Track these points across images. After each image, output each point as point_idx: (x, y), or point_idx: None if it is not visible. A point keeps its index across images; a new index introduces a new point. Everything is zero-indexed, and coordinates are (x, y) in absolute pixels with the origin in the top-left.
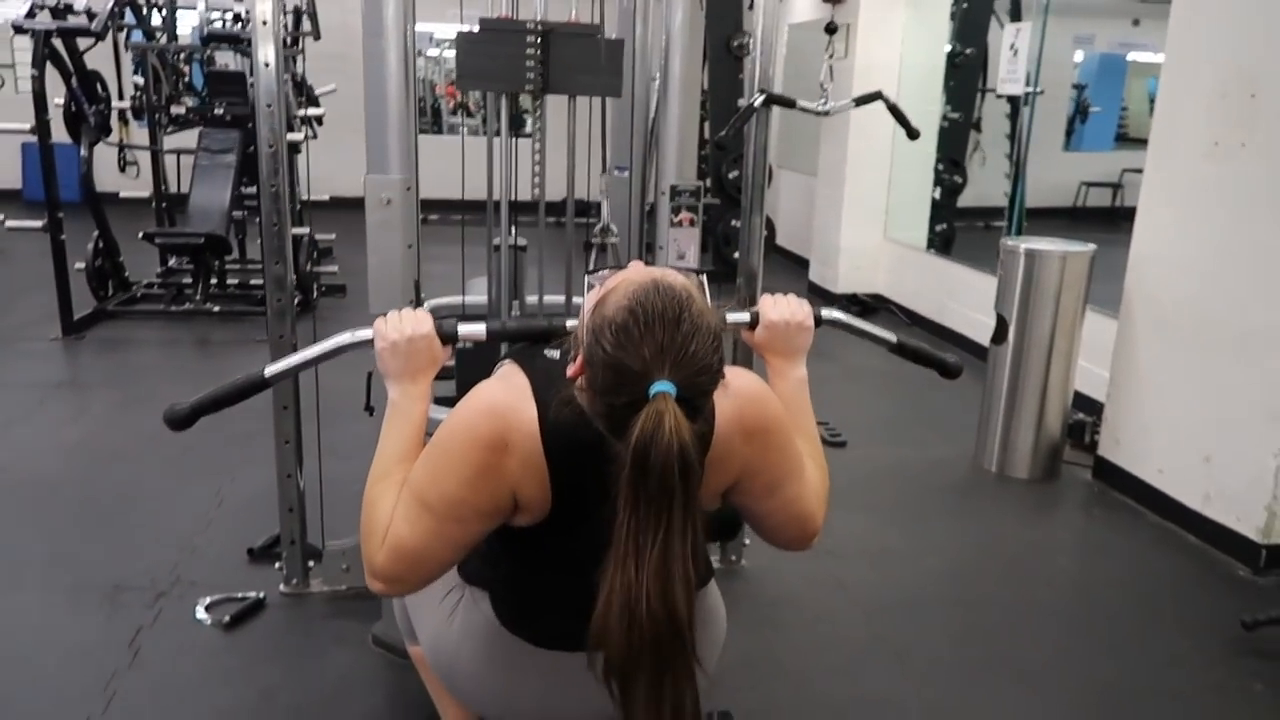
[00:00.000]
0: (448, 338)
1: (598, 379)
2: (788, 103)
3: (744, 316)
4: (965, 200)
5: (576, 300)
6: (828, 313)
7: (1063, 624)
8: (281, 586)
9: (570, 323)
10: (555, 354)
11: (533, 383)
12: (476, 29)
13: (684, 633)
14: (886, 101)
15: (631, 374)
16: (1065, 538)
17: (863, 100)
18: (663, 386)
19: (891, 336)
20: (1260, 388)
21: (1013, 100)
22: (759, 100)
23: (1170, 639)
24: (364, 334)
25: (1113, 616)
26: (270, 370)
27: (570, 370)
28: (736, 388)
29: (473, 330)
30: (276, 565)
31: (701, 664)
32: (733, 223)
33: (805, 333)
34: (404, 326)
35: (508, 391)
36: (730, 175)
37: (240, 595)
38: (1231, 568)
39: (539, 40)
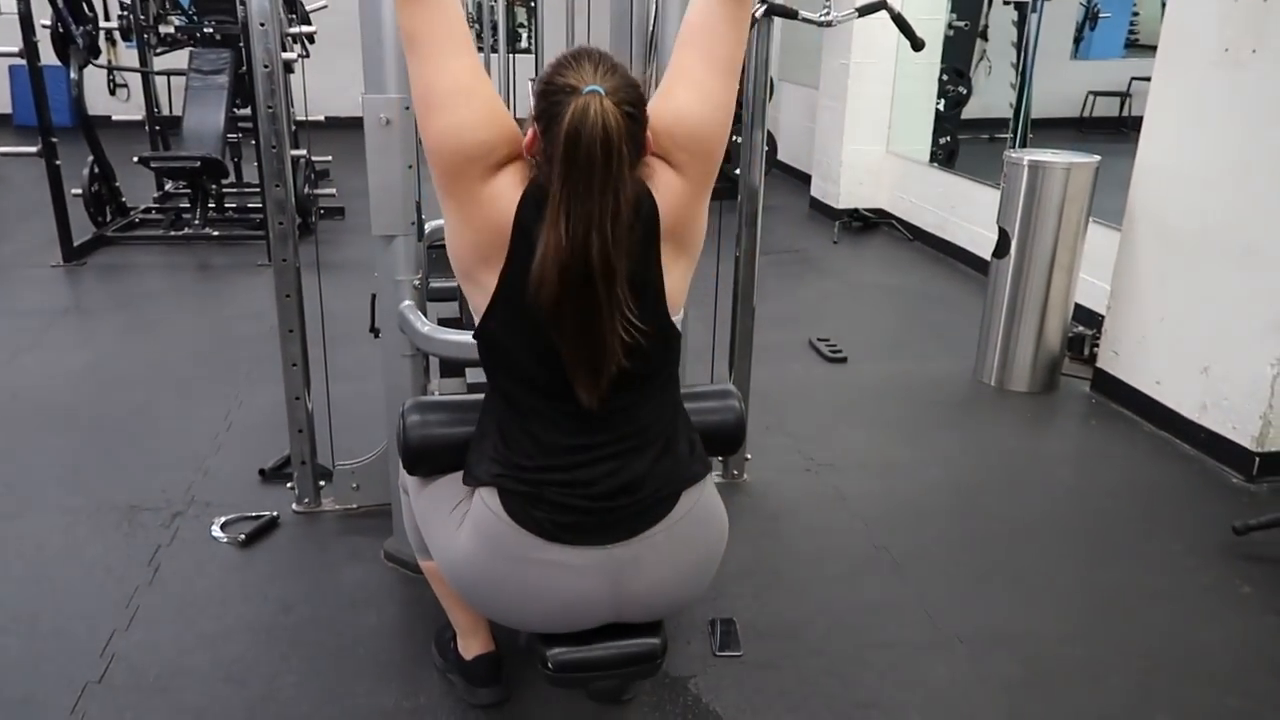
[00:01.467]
0: None
1: (542, 114)
2: (789, 13)
3: None
4: (970, 112)
5: None
6: None
7: (1060, 531)
8: (294, 505)
9: None
10: None
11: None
12: None
13: (595, 276)
14: (890, 11)
15: (567, 87)
16: (1063, 448)
17: (866, 10)
18: (592, 88)
19: None
20: (1262, 299)
21: (1020, 6)
22: (760, 10)
23: (1164, 544)
24: None
25: (1109, 524)
26: None
27: (525, 143)
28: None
29: None
30: (288, 485)
31: (634, 322)
32: (733, 138)
33: None
34: None
35: (521, 140)
36: None
37: (254, 514)
38: (1225, 475)
39: None
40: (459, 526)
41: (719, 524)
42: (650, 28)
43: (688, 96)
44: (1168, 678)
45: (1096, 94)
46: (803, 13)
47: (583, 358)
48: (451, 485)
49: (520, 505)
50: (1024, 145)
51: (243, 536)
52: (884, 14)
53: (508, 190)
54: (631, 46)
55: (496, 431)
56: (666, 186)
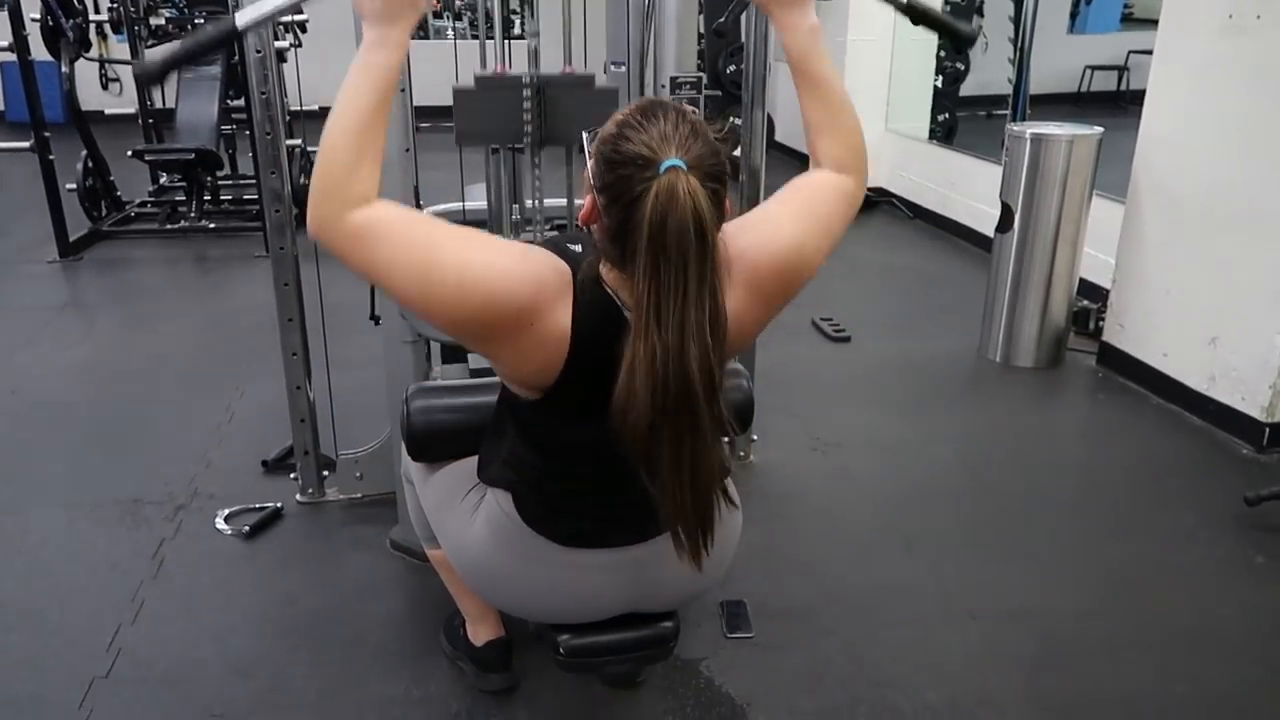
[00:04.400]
0: None
1: (610, 187)
2: None
3: None
4: (967, 88)
5: (578, 202)
6: None
7: (1070, 506)
8: (297, 496)
9: None
10: (578, 247)
11: (573, 272)
12: None
13: (696, 394)
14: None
15: (642, 159)
16: (1071, 423)
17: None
18: (674, 161)
19: None
20: (1269, 268)
21: None
22: None
23: (1176, 517)
24: None
25: (1119, 497)
26: (242, 19)
27: (581, 214)
28: (735, 252)
29: None
30: (291, 475)
31: (729, 431)
32: (731, 118)
33: None
34: None
35: (557, 276)
36: (728, 70)
37: (258, 506)
38: (1235, 447)
39: None
40: (470, 518)
41: (735, 514)
42: (647, 6)
43: (794, 231)
44: (1184, 650)
45: (1094, 69)
46: None
47: (682, 498)
48: (460, 473)
49: (536, 512)
50: (1024, 120)
51: (247, 528)
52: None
53: (555, 311)
54: (629, 30)
55: (514, 436)
56: (738, 301)
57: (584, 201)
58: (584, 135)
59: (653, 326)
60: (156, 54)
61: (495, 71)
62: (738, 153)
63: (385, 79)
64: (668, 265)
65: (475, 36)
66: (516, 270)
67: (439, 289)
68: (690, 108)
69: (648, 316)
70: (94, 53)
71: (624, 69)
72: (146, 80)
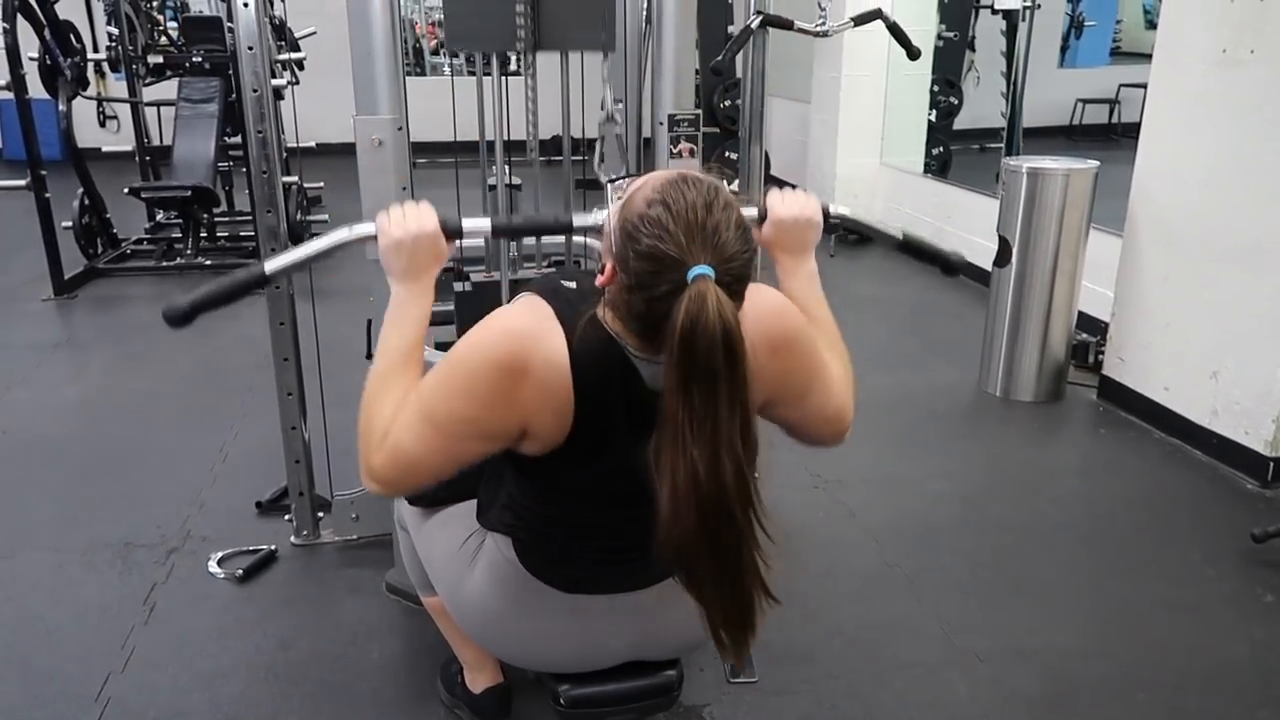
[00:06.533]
0: (453, 233)
1: (634, 274)
2: (785, 24)
3: (752, 212)
4: (960, 122)
5: (578, 240)
6: (836, 208)
7: (1074, 543)
8: (292, 538)
9: (579, 219)
10: (573, 285)
11: (557, 310)
12: None
13: (734, 507)
14: (886, 20)
15: (670, 261)
16: (1072, 458)
17: (861, 19)
18: (702, 270)
19: (897, 233)
20: (1270, 299)
21: (1009, 15)
22: (755, 22)
23: (1181, 553)
24: (364, 229)
25: (1123, 533)
26: (270, 266)
27: (600, 279)
28: (754, 304)
29: (478, 225)
30: (286, 517)
31: (769, 535)
32: (726, 154)
33: (814, 229)
34: (408, 223)
35: (531, 316)
36: (723, 105)
37: (252, 548)
38: (1239, 481)
39: None
40: (469, 565)
41: None
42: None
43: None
44: (1195, 692)
45: (1085, 101)
46: (798, 22)
47: (726, 605)
48: (459, 518)
49: (538, 558)
50: (1017, 154)
51: (240, 571)
52: (877, 24)
53: (544, 346)
54: (626, 68)
55: (513, 480)
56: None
57: (604, 264)
58: (608, 186)
59: (688, 441)
60: (184, 300)
61: None
62: (735, 186)
63: (416, 328)
64: (698, 383)
65: (472, 73)
66: (483, 338)
67: (454, 428)
68: (719, 181)
69: (681, 431)
70: (91, 91)
71: (622, 106)
72: (174, 323)
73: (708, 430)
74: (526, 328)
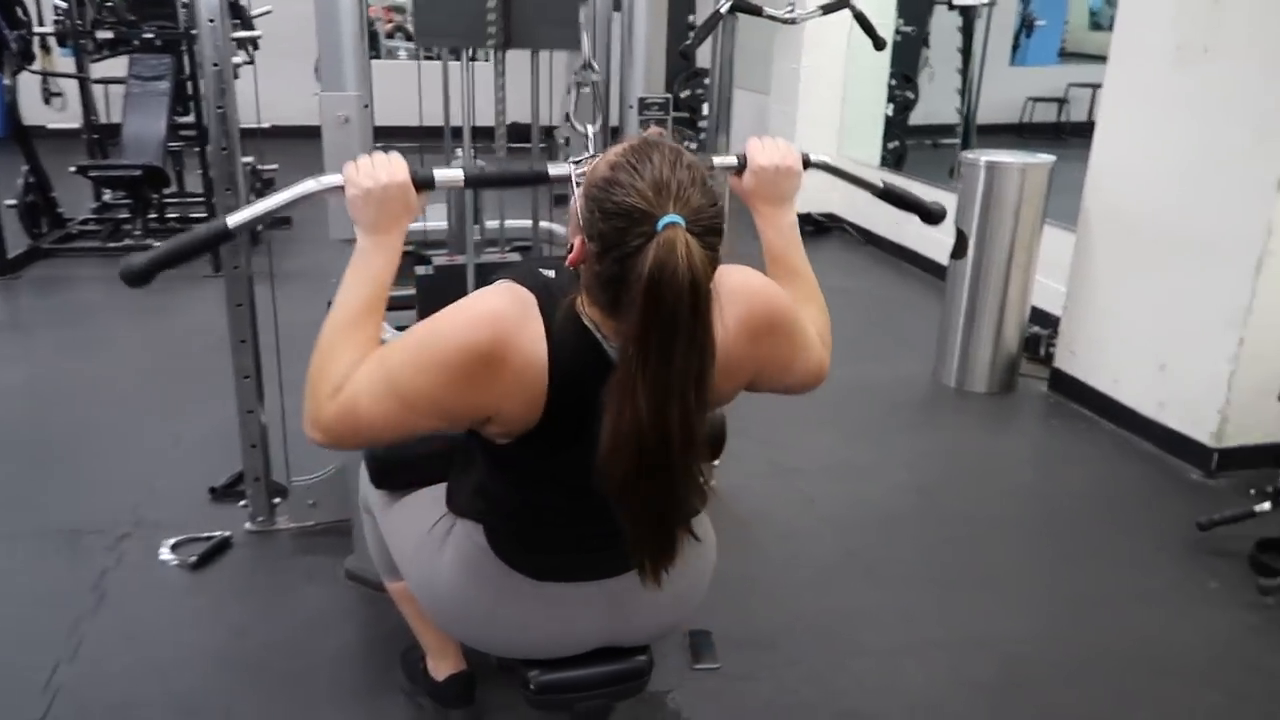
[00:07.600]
0: (423, 184)
1: (603, 238)
2: (754, 9)
3: (731, 160)
4: (913, 118)
5: (543, 224)
6: (817, 156)
7: (1026, 532)
8: (247, 524)
9: (554, 169)
10: (551, 273)
11: (538, 299)
12: None
13: (674, 452)
14: (853, 9)
15: (638, 214)
16: (1025, 449)
17: (830, 8)
18: (672, 218)
19: (878, 182)
20: (1217, 295)
21: (965, 12)
22: (725, 6)
23: (1129, 542)
24: (332, 180)
25: (1073, 523)
26: (233, 220)
27: (570, 257)
28: (735, 286)
29: (450, 175)
30: (241, 503)
31: (702, 486)
32: (685, 143)
33: (794, 177)
34: (377, 173)
35: (513, 304)
36: (683, 94)
37: (205, 535)
38: (1185, 472)
39: None
40: (438, 551)
41: (709, 545)
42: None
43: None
44: (1146, 675)
45: (1035, 100)
46: (767, 9)
47: (649, 535)
48: (426, 502)
49: (509, 545)
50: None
51: (194, 558)
52: (844, 14)
53: (523, 337)
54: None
55: (485, 467)
56: (728, 337)
57: (572, 243)
58: (571, 166)
59: (639, 387)
60: (142, 257)
61: None
62: (694, 146)
63: (379, 280)
64: (657, 331)
65: (429, 57)
66: (464, 319)
67: (417, 402)
68: (683, 145)
69: (634, 376)
70: (37, 65)
71: (598, 78)
72: (132, 281)
73: (662, 381)
74: (508, 316)
